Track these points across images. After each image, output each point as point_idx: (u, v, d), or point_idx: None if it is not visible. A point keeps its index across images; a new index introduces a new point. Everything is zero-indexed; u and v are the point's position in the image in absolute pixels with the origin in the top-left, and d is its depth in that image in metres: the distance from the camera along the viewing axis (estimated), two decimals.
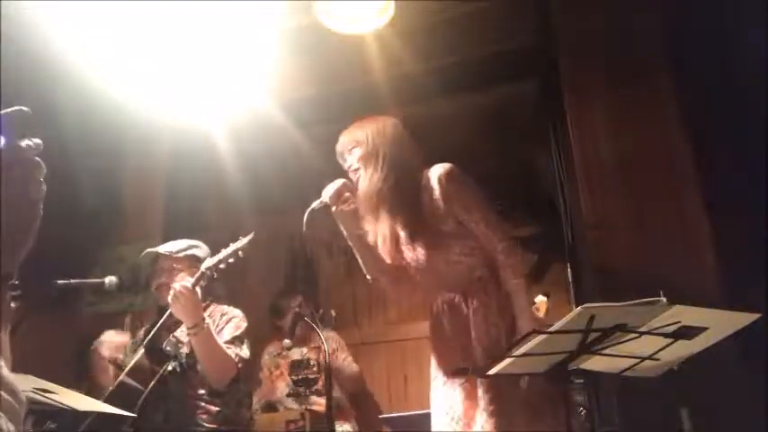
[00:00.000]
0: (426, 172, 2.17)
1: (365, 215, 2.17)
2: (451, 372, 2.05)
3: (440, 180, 2.12)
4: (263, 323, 4.16)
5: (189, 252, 2.71)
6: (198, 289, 2.47)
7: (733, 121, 2.94)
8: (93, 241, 4.11)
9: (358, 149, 2.18)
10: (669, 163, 3.04)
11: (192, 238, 2.82)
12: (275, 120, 3.78)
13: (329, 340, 4.15)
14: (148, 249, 2.76)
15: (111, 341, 3.29)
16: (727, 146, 2.93)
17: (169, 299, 2.44)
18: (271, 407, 3.99)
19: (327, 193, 2.13)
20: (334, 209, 2.11)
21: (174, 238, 2.84)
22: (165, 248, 2.73)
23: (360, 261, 2.21)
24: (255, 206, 4.38)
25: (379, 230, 2.18)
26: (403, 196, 2.11)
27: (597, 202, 3.13)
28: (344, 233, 2.16)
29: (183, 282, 2.45)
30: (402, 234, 2.15)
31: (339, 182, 2.16)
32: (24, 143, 0.77)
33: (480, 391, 2.01)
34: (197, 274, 2.48)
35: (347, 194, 2.14)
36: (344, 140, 2.25)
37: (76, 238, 3.97)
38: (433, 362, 2.22)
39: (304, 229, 2.07)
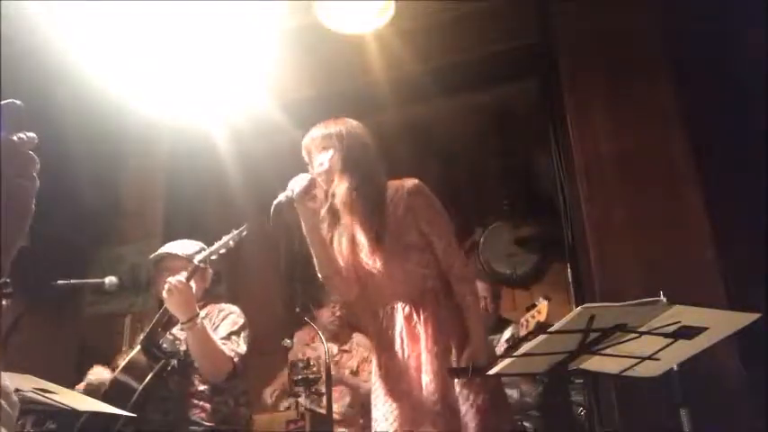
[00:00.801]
0: (393, 183, 2.20)
1: (328, 217, 2.19)
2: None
3: (408, 193, 2.15)
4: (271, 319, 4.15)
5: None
6: (192, 284, 2.47)
7: (733, 121, 2.94)
8: (93, 241, 4.11)
9: (330, 152, 2.18)
10: (669, 163, 3.04)
11: (192, 239, 2.81)
12: (275, 120, 3.77)
13: (361, 347, 4.14)
14: (159, 251, 2.75)
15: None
16: (727, 146, 2.93)
17: (164, 293, 2.44)
18: (285, 395, 3.98)
19: (295, 187, 2.11)
20: (298, 204, 2.10)
21: (174, 239, 2.84)
22: (176, 249, 2.72)
23: (314, 258, 2.21)
24: (255, 206, 4.37)
25: (339, 234, 2.20)
26: (368, 205, 2.12)
27: (597, 201, 3.13)
28: (304, 228, 2.17)
29: (177, 276, 2.45)
30: (363, 241, 2.16)
31: (306, 176, 2.14)
32: (17, 137, 0.74)
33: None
34: (190, 268, 2.49)
35: (314, 191, 2.14)
36: (316, 139, 2.22)
37: (76, 238, 3.97)
38: (375, 371, 2.20)
39: (271, 222, 2.05)
